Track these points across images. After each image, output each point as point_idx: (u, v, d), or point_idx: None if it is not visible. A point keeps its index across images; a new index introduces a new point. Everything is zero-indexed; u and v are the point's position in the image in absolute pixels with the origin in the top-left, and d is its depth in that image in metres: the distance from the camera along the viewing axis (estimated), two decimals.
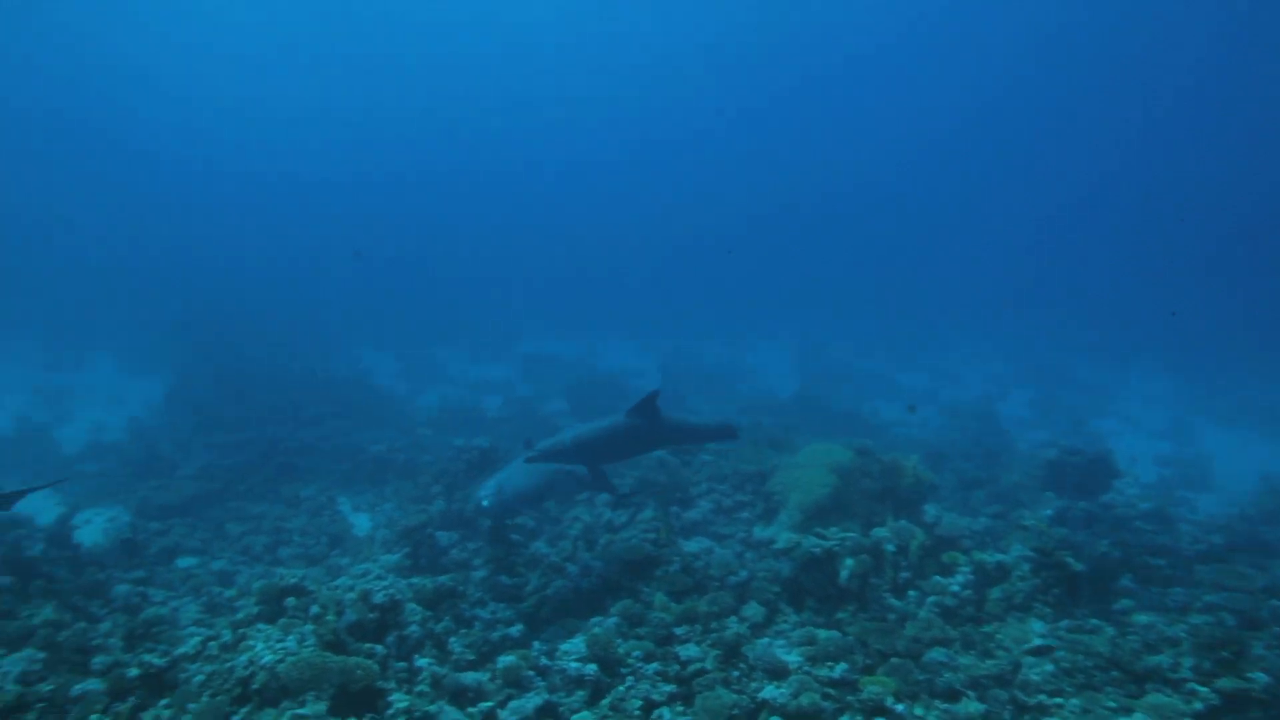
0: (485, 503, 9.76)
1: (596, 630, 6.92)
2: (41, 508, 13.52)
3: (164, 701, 5.79)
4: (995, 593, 7.80)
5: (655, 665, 6.45)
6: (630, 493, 10.74)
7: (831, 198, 70.25)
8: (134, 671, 6.03)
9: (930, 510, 9.46)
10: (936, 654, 6.76)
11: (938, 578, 8.13)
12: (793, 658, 6.62)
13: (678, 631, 6.99)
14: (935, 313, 40.52)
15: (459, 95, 71.34)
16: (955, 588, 7.94)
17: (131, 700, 5.67)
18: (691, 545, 9.41)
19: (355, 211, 60.75)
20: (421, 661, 6.41)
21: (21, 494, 7.10)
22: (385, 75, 67.83)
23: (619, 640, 6.78)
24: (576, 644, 6.70)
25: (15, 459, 17.22)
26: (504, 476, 10.13)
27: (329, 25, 64.25)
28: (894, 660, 6.64)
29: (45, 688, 5.67)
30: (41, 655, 6.16)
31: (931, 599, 7.81)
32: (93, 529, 12.90)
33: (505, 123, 72.84)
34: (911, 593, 8.01)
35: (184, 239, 46.55)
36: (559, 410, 20.79)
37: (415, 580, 7.98)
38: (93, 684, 5.83)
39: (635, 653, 6.57)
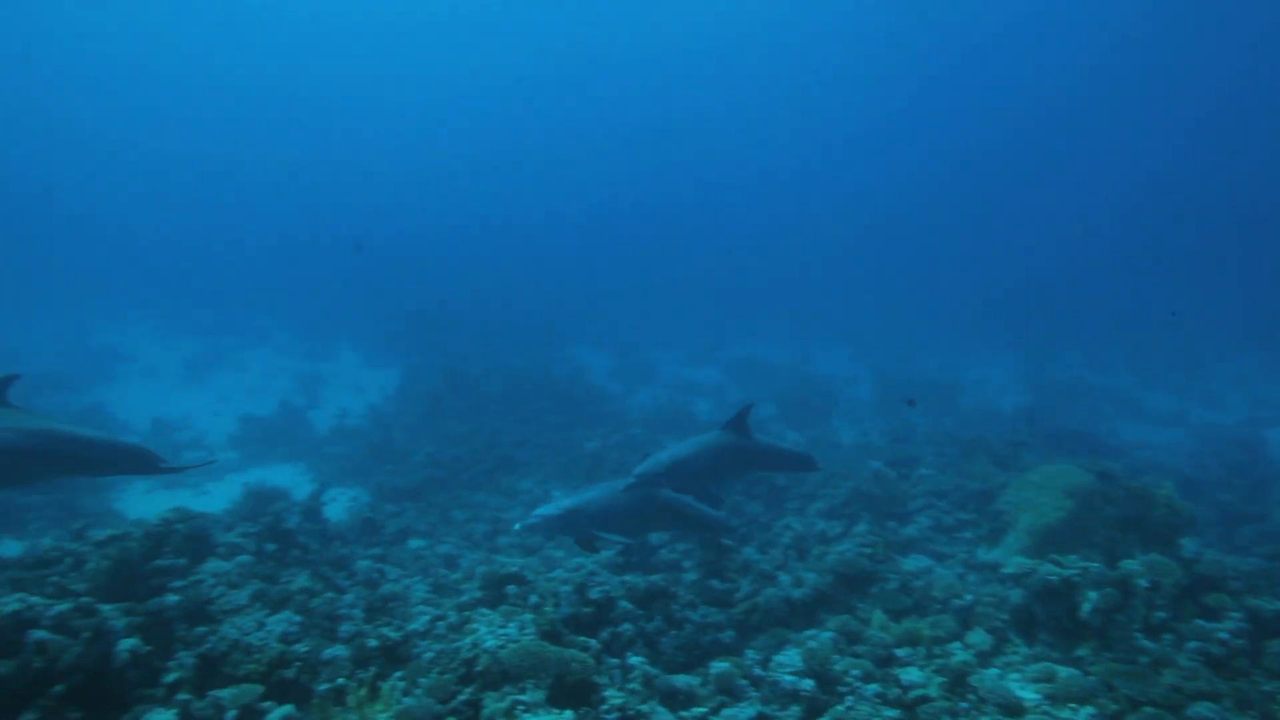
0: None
1: (812, 644, 6.78)
2: (297, 483, 14.99)
3: (398, 674, 6.20)
4: (1276, 646, 6.88)
5: (875, 687, 6.23)
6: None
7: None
8: (373, 642, 6.51)
9: (1188, 545, 8.54)
10: (1203, 709, 6.03)
11: (1200, 621, 7.28)
12: (1029, 694, 6.17)
13: (899, 653, 6.71)
14: (1193, 326, 36.50)
15: (672, 97, 72.36)
16: (1224, 634, 7.06)
17: (373, 669, 6.11)
18: (910, 563, 9.03)
19: (574, 212, 63.10)
20: (634, 659, 6.50)
21: (182, 469, 7.69)
22: (591, 75, 69.87)
23: (836, 656, 6.59)
24: (791, 656, 6.59)
25: (277, 438, 19.13)
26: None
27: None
28: (1148, 709, 6.01)
29: (301, 648, 6.22)
30: (298, 619, 6.76)
31: (1192, 644, 6.99)
32: (337, 506, 14.16)
33: (728, 128, 73.26)
34: (1166, 635, 7.24)
35: (418, 241, 50.14)
36: (769, 415, 20.65)
37: (628, 578, 8.12)
38: (340, 650, 6.33)
39: (853, 671, 6.37)
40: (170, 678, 6.10)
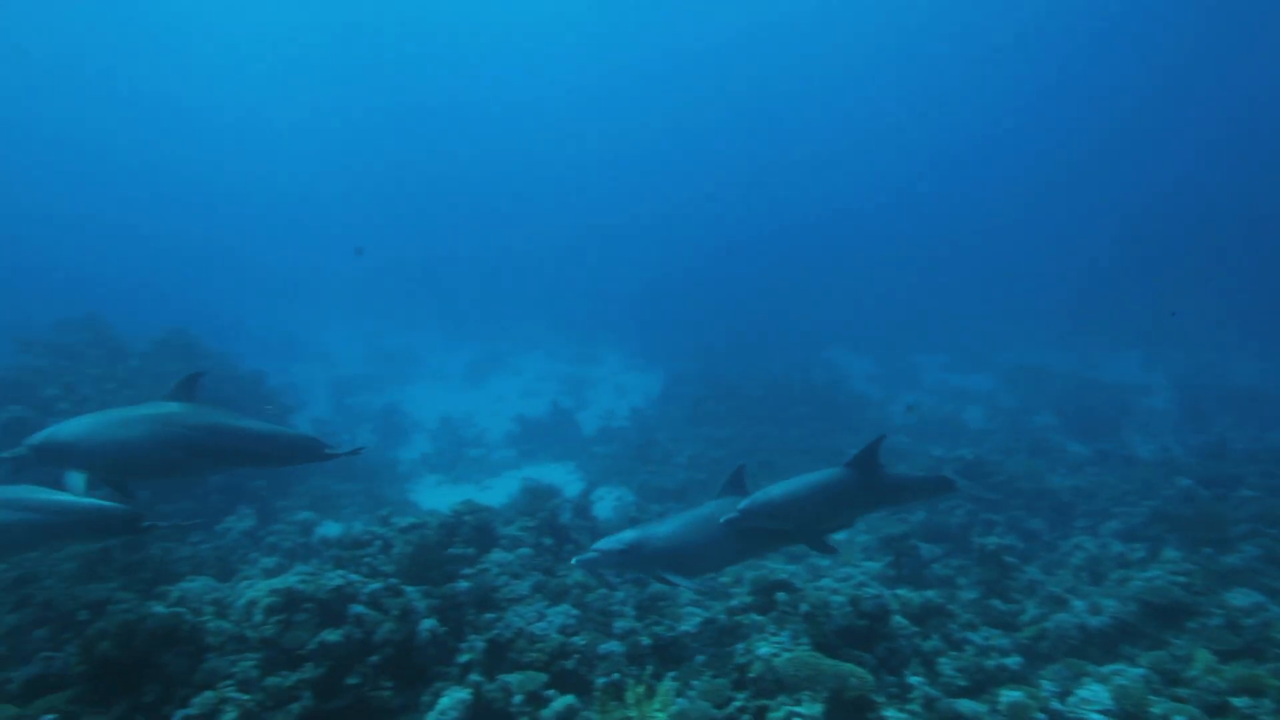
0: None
1: (1121, 680, 6.08)
2: (567, 481, 15.73)
3: (671, 674, 6.25)
4: None
5: None
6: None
7: None
8: (646, 640, 6.62)
9: None
10: None
11: None
12: None
13: (1235, 703, 5.84)
14: None
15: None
16: None
17: (649, 668, 6.21)
18: (1236, 598, 7.90)
19: (830, 214, 61.84)
20: (913, 679, 6.14)
21: (337, 455, 7.70)
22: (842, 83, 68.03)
23: (1152, 697, 5.86)
24: (1097, 692, 5.94)
25: (549, 437, 20.24)
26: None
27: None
28: None
29: (579, 641, 6.45)
30: (575, 612, 7.03)
31: None
32: (604, 505, 14.68)
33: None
34: None
35: (679, 249, 51.26)
36: (1048, 424, 19.07)
37: (901, 591, 7.73)
38: (615, 645, 6.50)
39: (1177, 717, 5.62)
40: (463, 658, 6.54)
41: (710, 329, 30.84)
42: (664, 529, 6.74)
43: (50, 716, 5.54)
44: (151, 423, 6.39)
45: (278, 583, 7.27)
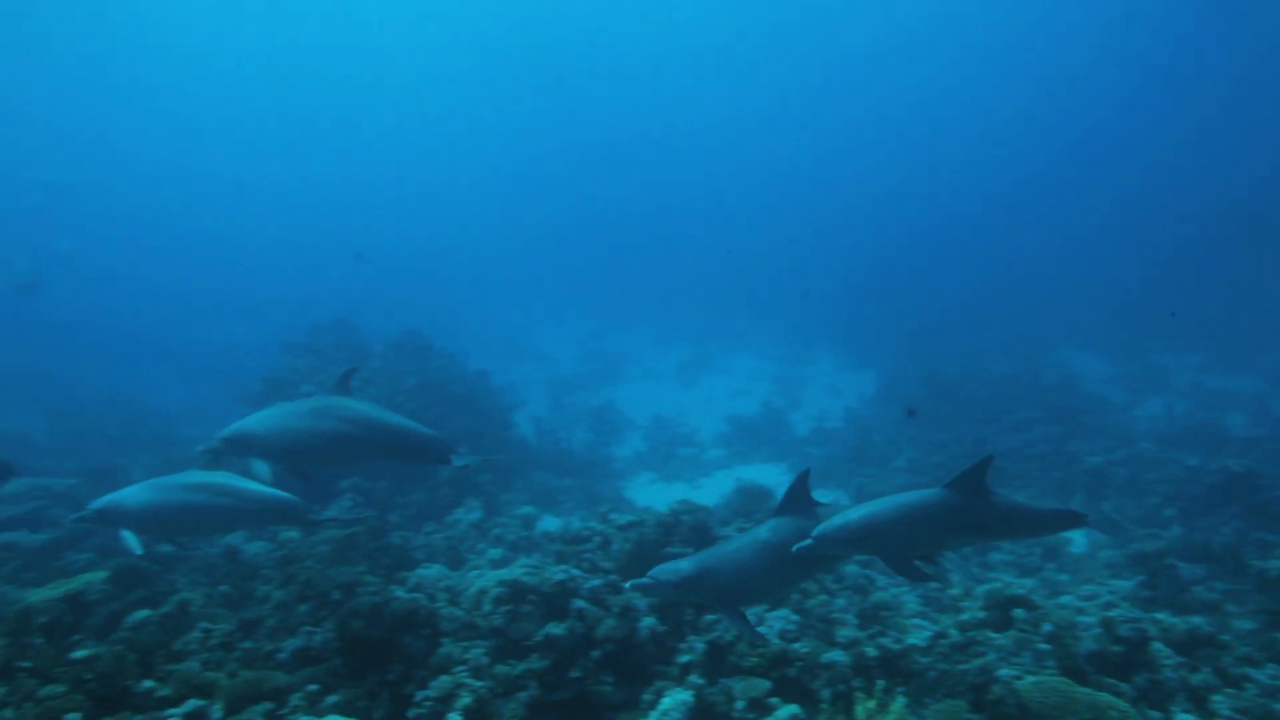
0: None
1: None
2: (780, 482, 15.44)
3: (900, 689, 5.92)
4: None
5: None
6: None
7: None
8: (872, 652, 6.32)
9: None
10: None
11: None
12: None
13: None
14: None
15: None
16: None
17: (880, 681, 5.91)
18: None
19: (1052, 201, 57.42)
20: (1183, 716, 5.49)
21: (462, 463, 7.49)
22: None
23: None
24: None
25: (760, 437, 20.06)
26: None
27: None
28: None
29: (801, 648, 6.25)
30: (795, 618, 6.83)
31: None
32: None
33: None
34: None
35: (893, 244, 49.44)
36: None
37: (1160, 616, 6.96)
38: (838, 655, 6.24)
39: None
40: (683, 658, 6.51)
41: (925, 327, 29.47)
42: (721, 558, 6.00)
43: (313, 686, 6.00)
44: (313, 416, 6.79)
45: (505, 574, 7.55)
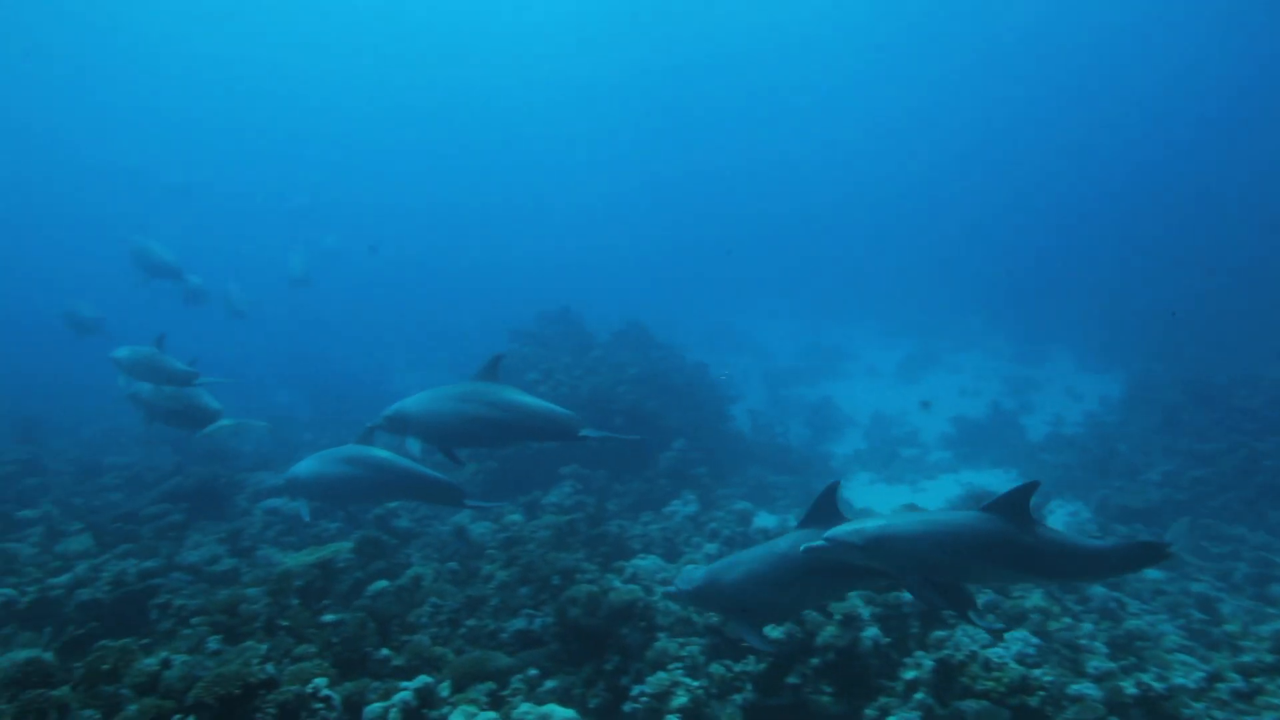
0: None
1: None
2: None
3: None
4: None
5: None
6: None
7: None
8: (1130, 688, 5.65)
9: None
10: None
11: None
12: None
13: None
14: None
15: None
16: None
17: None
18: None
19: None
20: None
21: (598, 437, 7.56)
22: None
23: None
24: None
25: (988, 440, 18.85)
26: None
27: None
28: None
29: (1043, 676, 5.68)
30: (1036, 641, 6.24)
31: None
32: (1055, 519, 13.25)
33: None
34: None
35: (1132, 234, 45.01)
36: None
37: None
38: (1089, 688, 5.64)
39: None
40: (908, 674, 6.11)
41: (1180, 325, 26.45)
42: (734, 568, 5.75)
43: (533, 670, 6.15)
44: (459, 399, 7.20)
45: None
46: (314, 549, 7.81)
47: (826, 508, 5.58)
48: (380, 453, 7.73)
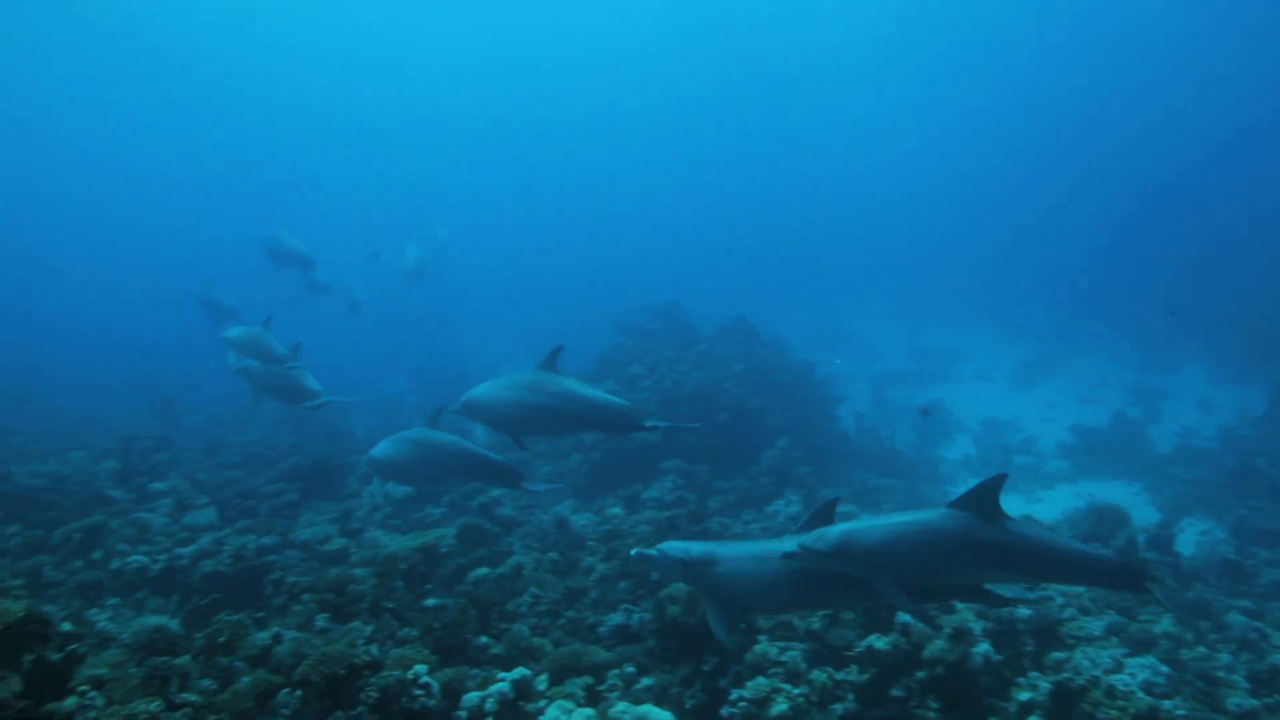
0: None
1: None
2: (1133, 504, 13.68)
3: None
4: None
5: None
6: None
7: None
8: None
9: None
10: None
11: None
12: None
13: None
14: None
15: None
16: None
17: None
18: None
19: None
20: None
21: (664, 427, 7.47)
22: None
23: None
24: None
25: (1110, 451, 17.91)
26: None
27: None
28: None
29: (1175, 709, 5.30)
30: (1165, 669, 5.84)
31: None
32: (1185, 539, 12.44)
33: None
34: None
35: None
36: None
37: None
38: None
39: None
40: (1022, 695, 5.81)
41: None
42: (729, 556, 5.62)
43: (630, 668, 6.10)
44: (523, 388, 7.44)
45: None
46: (418, 534, 7.97)
47: (826, 519, 5.52)
48: (442, 435, 8.16)
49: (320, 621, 6.23)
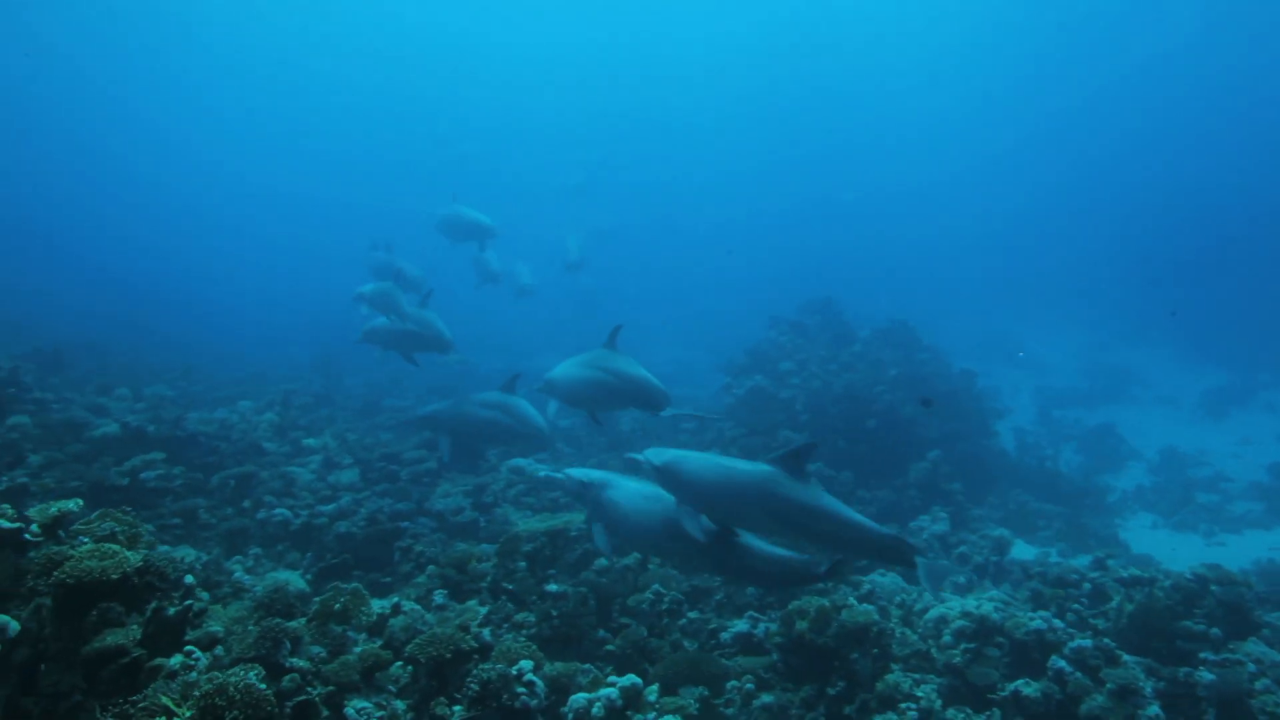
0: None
1: None
2: None
3: None
4: None
5: None
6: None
7: None
8: None
9: None
10: None
11: None
12: None
13: None
14: None
15: None
16: None
17: None
18: None
19: None
20: None
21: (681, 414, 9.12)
22: None
23: None
24: None
25: None
26: None
27: None
28: None
29: None
30: None
31: None
32: None
33: None
34: None
35: None
36: None
37: None
38: None
39: None
40: None
41: None
42: (625, 486, 6.32)
43: (750, 682, 5.76)
44: (588, 366, 7.94)
45: (971, 604, 6.68)
46: (548, 516, 7.86)
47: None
48: (513, 400, 9.29)
49: (439, 597, 6.19)
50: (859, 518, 5.41)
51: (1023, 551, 11.39)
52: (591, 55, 64.00)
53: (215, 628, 4.05)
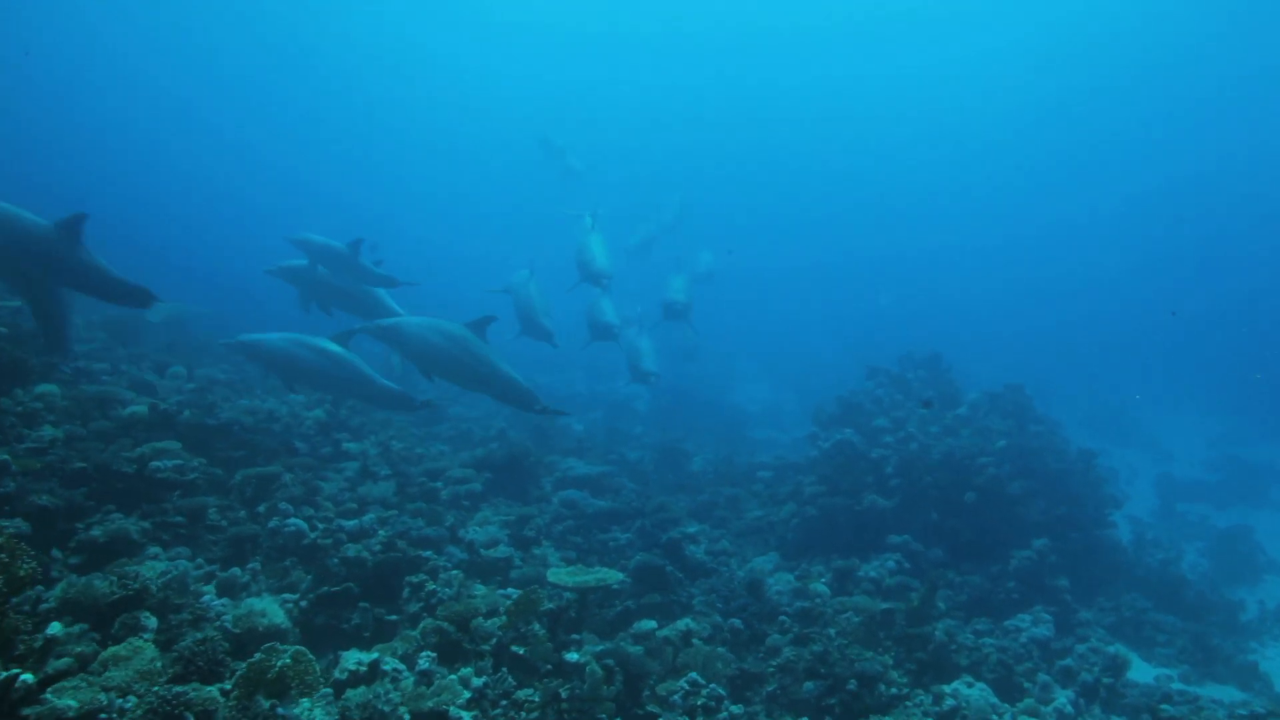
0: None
1: None
2: None
3: None
4: None
5: None
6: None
7: None
8: None
9: None
10: None
11: None
12: None
13: None
14: None
15: None
16: None
17: None
18: None
19: None
20: None
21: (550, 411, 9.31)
22: None
23: None
24: None
25: None
26: None
27: None
28: None
29: None
30: None
31: None
32: None
33: None
34: None
35: None
36: None
37: None
38: None
39: None
40: None
41: None
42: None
43: None
44: (435, 332, 8.47)
45: None
46: (582, 568, 6.76)
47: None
48: (341, 350, 9.24)
49: (424, 661, 5.12)
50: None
51: (1141, 673, 9.74)
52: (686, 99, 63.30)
53: (73, 700, 3.02)
